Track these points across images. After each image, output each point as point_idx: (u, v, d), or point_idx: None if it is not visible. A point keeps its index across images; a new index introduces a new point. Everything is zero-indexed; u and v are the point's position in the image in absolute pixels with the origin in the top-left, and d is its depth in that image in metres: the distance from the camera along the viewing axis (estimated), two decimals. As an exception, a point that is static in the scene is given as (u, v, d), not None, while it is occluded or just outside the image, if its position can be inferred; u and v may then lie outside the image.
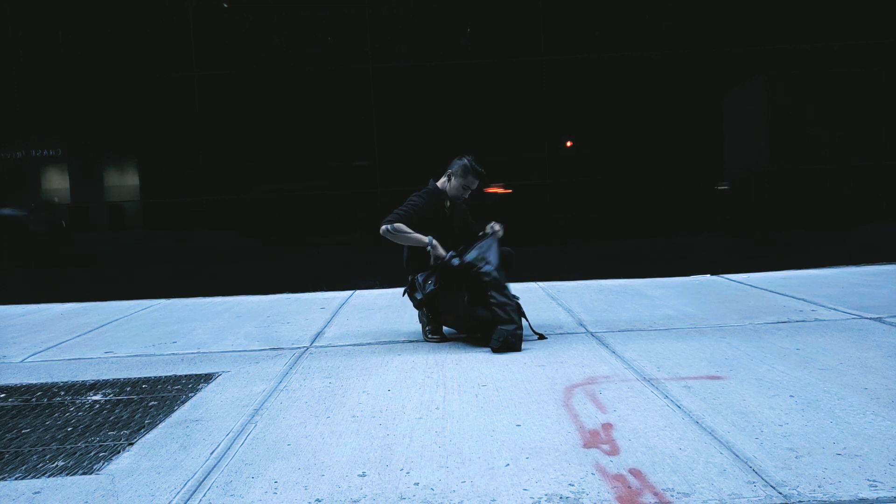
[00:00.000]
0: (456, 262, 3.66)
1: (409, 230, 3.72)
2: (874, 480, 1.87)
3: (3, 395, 3.17)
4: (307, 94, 6.57)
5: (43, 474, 2.17)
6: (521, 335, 3.64)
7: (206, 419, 2.66)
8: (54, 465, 2.25)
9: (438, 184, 3.98)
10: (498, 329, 3.57)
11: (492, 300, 3.62)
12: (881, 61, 6.61)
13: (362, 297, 5.86)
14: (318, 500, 1.89)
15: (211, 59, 6.53)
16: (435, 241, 3.71)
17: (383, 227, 3.72)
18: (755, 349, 3.39)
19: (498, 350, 3.52)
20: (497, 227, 3.91)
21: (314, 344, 4.01)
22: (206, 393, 3.03)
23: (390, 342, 3.95)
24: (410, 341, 3.95)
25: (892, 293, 4.87)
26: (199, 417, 2.68)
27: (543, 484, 1.92)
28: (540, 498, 1.84)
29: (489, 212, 6.44)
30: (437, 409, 2.64)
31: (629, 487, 1.88)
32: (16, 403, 3.03)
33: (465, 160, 3.90)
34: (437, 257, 3.69)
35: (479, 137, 6.48)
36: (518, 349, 3.54)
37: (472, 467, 2.06)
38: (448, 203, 3.98)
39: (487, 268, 3.65)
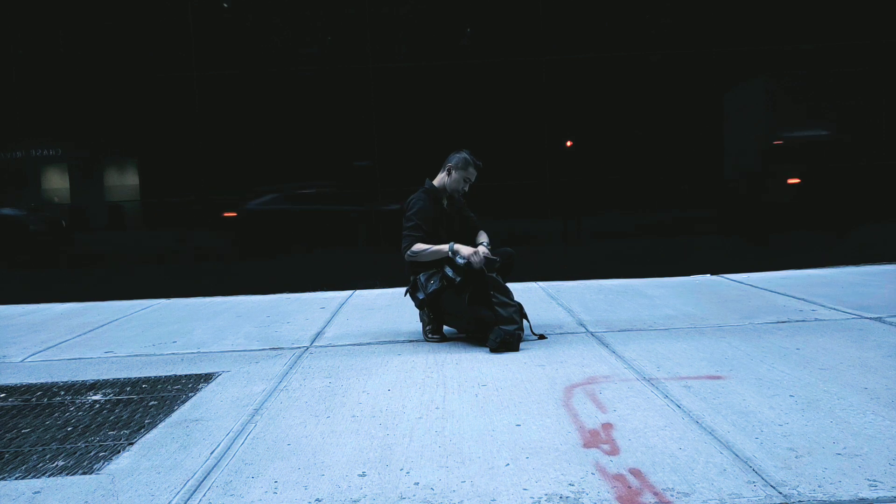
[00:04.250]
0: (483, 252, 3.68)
1: (426, 246, 3.73)
2: (874, 480, 1.87)
3: (3, 395, 3.17)
4: (307, 94, 6.57)
5: (43, 474, 2.17)
6: (521, 336, 3.65)
7: (206, 419, 2.66)
8: (54, 464, 2.25)
9: (435, 182, 3.98)
10: (496, 329, 3.56)
11: (494, 300, 3.63)
12: (881, 61, 6.61)
13: (362, 297, 5.86)
14: (318, 499, 1.89)
15: (211, 59, 6.53)
16: (455, 245, 3.69)
17: (406, 254, 3.77)
18: (755, 349, 3.39)
19: (496, 350, 3.52)
20: (484, 242, 3.92)
21: (314, 344, 4.01)
22: (206, 393, 3.03)
23: (390, 342, 3.95)
24: (410, 341, 3.94)
25: (892, 293, 4.87)
26: (199, 417, 2.68)
27: (543, 484, 1.92)
28: (540, 498, 1.84)
29: (486, 212, 6.45)
30: (437, 408, 2.64)
31: (629, 487, 1.88)
32: (16, 403, 3.04)
33: (465, 153, 3.93)
34: (465, 257, 3.63)
35: (479, 137, 6.48)
36: (516, 349, 3.54)
37: (472, 467, 2.06)
38: (445, 201, 3.99)
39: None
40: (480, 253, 3.61)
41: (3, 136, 6.66)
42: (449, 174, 3.93)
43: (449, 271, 3.61)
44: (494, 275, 3.74)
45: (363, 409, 2.69)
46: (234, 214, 6.69)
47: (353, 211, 6.67)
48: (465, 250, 3.63)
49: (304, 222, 6.69)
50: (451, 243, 3.71)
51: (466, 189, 4.00)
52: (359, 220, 6.69)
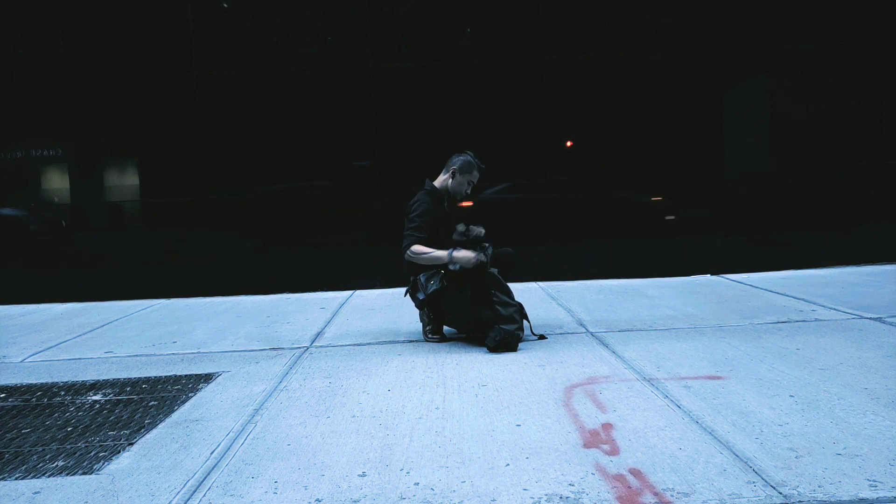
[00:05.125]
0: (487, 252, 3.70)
1: (427, 250, 3.71)
2: (874, 480, 1.87)
3: (3, 395, 3.17)
4: (307, 94, 6.57)
5: (43, 474, 2.17)
6: (521, 336, 3.65)
7: (206, 419, 2.66)
8: (54, 465, 2.25)
9: (436, 183, 3.98)
10: (496, 328, 3.56)
11: (495, 298, 3.63)
12: (881, 61, 6.61)
13: (362, 297, 5.86)
14: (318, 500, 1.89)
15: (211, 59, 6.53)
16: (455, 253, 3.63)
17: (405, 253, 3.75)
18: (755, 349, 3.39)
19: (494, 349, 3.52)
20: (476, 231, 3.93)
21: (314, 344, 4.01)
22: (206, 393, 3.03)
23: (390, 342, 3.95)
24: (410, 341, 3.94)
25: (892, 293, 4.87)
26: (199, 417, 2.68)
27: (543, 484, 1.92)
28: (540, 498, 1.84)
29: (487, 211, 6.45)
30: (437, 409, 2.64)
31: (629, 487, 1.88)
32: (16, 403, 3.04)
33: (468, 155, 3.94)
34: (469, 262, 3.62)
35: (479, 137, 6.48)
36: (514, 349, 3.54)
37: (472, 467, 2.06)
38: (446, 203, 3.99)
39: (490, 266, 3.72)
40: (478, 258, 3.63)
41: (3, 136, 6.66)
42: (453, 177, 3.93)
43: (452, 266, 3.65)
44: (496, 271, 3.75)
45: (363, 409, 2.69)
46: (235, 214, 6.69)
47: (352, 211, 6.66)
48: (463, 259, 3.60)
49: (304, 222, 6.69)
50: (451, 251, 3.64)
51: (469, 191, 4.01)
52: (358, 220, 6.69)
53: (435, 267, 3.76)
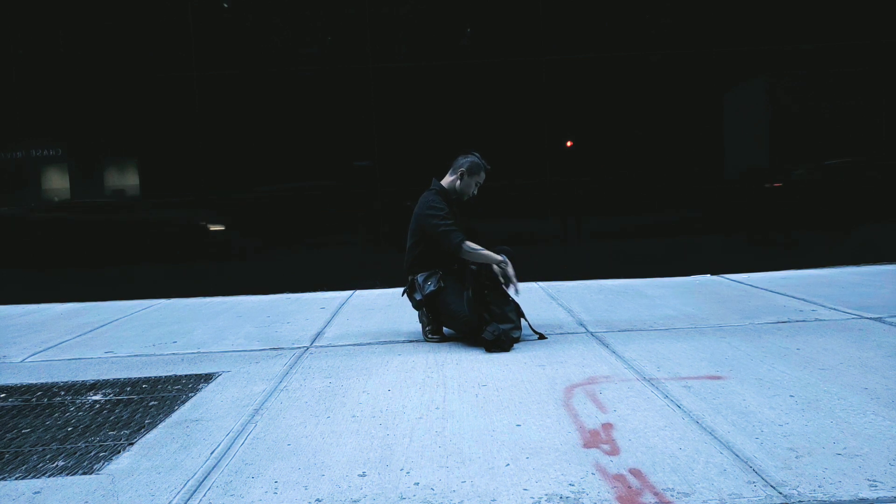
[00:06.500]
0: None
1: (478, 247, 3.69)
2: (874, 480, 1.87)
3: (3, 395, 3.17)
4: (307, 94, 6.57)
5: (43, 474, 2.17)
6: (516, 337, 3.66)
7: (206, 419, 2.66)
8: (54, 465, 2.25)
9: (443, 183, 3.98)
10: (493, 324, 3.58)
11: (488, 297, 3.65)
12: (881, 61, 6.61)
13: (362, 297, 5.86)
14: (318, 500, 1.89)
15: (211, 59, 6.53)
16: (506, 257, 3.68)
17: (462, 248, 3.66)
18: (755, 349, 3.39)
19: (490, 344, 3.52)
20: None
21: (314, 344, 4.01)
22: (206, 393, 3.03)
23: (390, 342, 3.95)
24: (410, 341, 3.94)
25: (892, 293, 4.87)
26: (199, 417, 2.68)
27: (543, 484, 1.92)
28: (540, 498, 1.84)
29: (486, 212, 6.44)
30: (438, 408, 2.64)
31: (629, 487, 1.88)
32: (16, 403, 3.03)
33: (475, 157, 3.94)
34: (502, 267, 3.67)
35: (479, 137, 6.48)
36: (507, 349, 3.54)
37: (473, 467, 2.06)
38: (452, 203, 4.00)
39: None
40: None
41: (3, 136, 6.66)
42: (461, 178, 3.92)
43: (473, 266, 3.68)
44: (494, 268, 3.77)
45: (363, 409, 2.69)
46: (234, 214, 6.68)
47: (352, 211, 6.66)
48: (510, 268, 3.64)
49: (304, 222, 6.69)
50: (503, 254, 3.67)
51: (475, 192, 4.00)
52: (358, 220, 6.69)
53: (435, 266, 3.77)
